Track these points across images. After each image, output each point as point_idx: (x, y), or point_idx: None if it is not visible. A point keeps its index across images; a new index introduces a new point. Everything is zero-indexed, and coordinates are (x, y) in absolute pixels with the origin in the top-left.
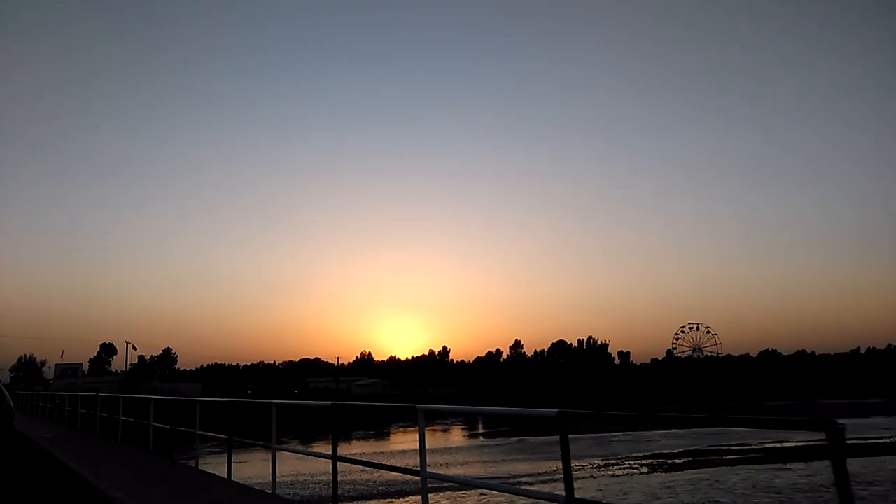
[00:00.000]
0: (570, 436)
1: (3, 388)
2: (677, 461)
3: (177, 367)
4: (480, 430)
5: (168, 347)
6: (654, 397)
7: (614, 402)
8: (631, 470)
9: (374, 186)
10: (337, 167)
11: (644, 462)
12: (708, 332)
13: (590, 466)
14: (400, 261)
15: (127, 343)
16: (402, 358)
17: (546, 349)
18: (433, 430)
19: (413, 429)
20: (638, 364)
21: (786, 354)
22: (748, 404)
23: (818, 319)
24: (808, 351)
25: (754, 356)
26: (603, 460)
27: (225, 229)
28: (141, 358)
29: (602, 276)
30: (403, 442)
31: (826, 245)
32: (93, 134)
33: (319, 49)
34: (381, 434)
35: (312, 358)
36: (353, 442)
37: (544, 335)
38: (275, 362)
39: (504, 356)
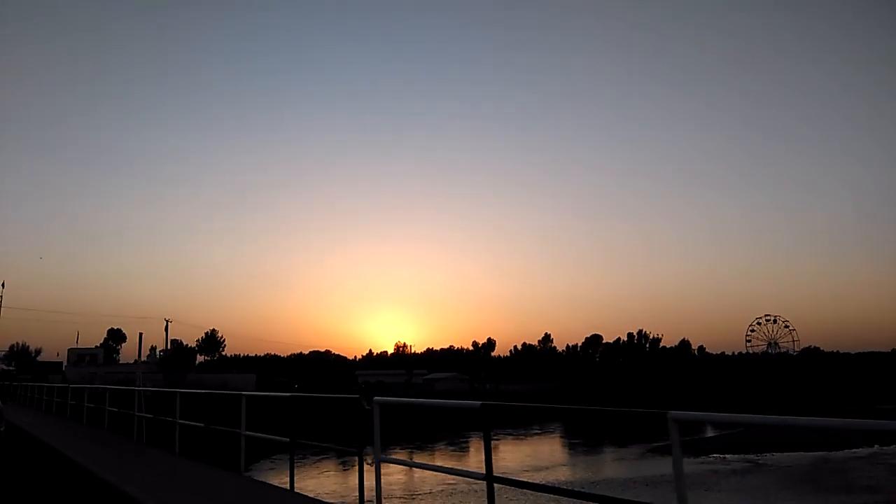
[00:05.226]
0: None
1: None
2: None
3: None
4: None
5: (213, 329)
6: (752, 396)
7: (718, 400)
8: None
9: (368, 175)
10: (335, 159)
11: None
12: (786, 326)
13: None
14: (398, 254)
15: (167, 321)
16: (437, 349)
17: (579, 344)
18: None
19: (511, 439)
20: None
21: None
22: (864, 409)
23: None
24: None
25: (794, 354)
26: None
27: (206, 220)
28: (175, 342)
29: (608, 272)
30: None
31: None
32: (88, 127)
33: (306, 41)
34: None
35: (323, 350)
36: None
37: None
38: (301, 353)
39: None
